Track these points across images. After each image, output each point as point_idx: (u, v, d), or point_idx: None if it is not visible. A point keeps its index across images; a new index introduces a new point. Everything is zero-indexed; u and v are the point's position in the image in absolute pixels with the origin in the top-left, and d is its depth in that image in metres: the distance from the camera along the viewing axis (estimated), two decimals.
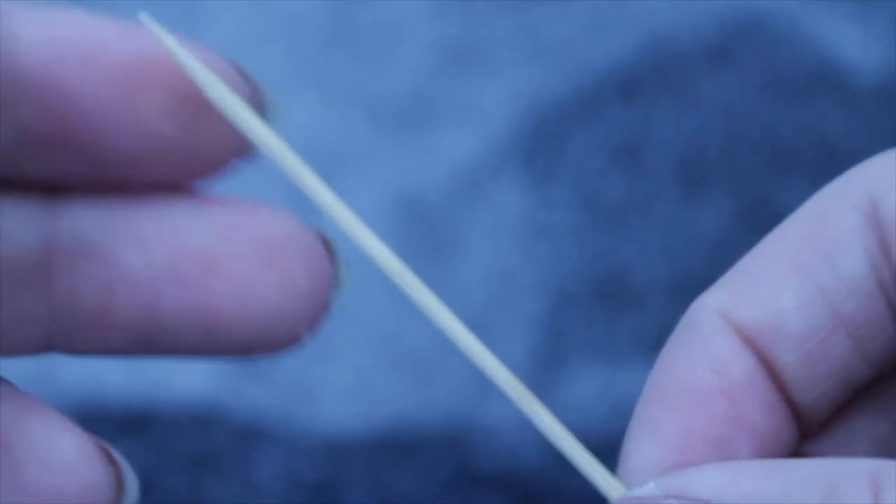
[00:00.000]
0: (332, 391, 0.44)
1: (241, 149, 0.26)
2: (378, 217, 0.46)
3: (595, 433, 0.44)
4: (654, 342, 0.45)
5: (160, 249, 0.25)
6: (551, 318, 0.45)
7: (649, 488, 0.27)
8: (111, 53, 0.24)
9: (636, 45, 0.48)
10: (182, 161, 0.25)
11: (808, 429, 0.27)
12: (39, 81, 0.23)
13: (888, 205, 0.26)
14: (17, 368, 0.25)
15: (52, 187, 0.24)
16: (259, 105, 0.27)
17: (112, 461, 0.25)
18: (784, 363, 0.27)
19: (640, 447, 0.28)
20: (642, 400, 0.29)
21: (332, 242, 0.26)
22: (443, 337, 0.26)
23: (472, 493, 0.43)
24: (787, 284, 0.27)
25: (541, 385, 0.44)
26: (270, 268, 0.25)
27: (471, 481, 0.43)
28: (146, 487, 0.44)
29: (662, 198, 0.46)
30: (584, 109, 0.47)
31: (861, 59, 0.48)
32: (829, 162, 0.47)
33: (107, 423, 0.44)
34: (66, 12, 0.25)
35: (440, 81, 0.47)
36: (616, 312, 0.45)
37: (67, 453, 0.25)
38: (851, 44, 0.48)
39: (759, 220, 0.46)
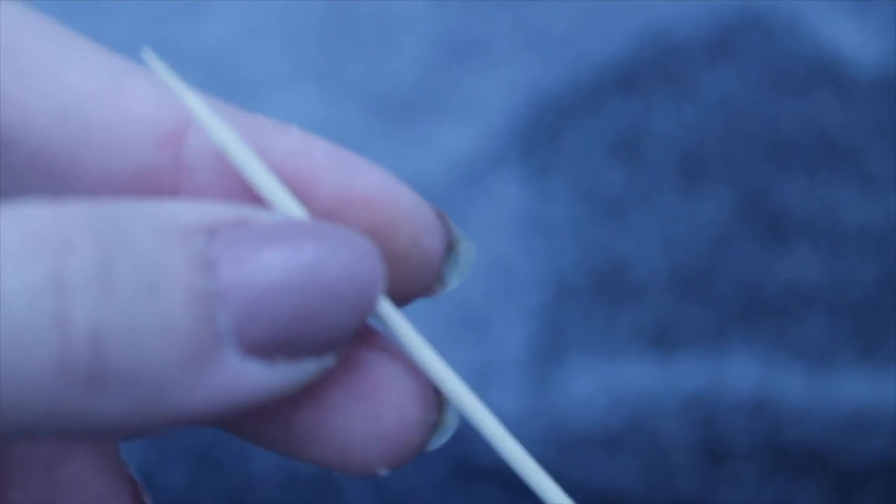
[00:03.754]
0: None
1: (425, 289, 0.26)
2: None
3: (594, 426, 0.44)
4: (653, 335, 0.45)
5: None
6: (550, 310, 0.45)
7: None
8: (322, 185, 0.24)
9: (635, 38, 0.48)
10: None
11: None
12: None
13: None
14: None
15: None
16: (450, 245, 0.26)
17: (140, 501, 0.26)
18: None
19: None
20: None
21: (441, 390, 0.25)
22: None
23: (472, 487, 0.43)
24: None
25: (540, 378, 0.44)
26: (362, 404, 0.25)
27: (470, 475, 0.43)
28: (145, 481, 0.44)
29: (661, 191, 0.46)
30: (583, 102, 0.47)
31: (860, 52, 0.48)
32: (828, 155, 0.47)
33: None
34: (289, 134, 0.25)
35: (439, 75, 0.47)
36: (615, 305, 0.45)
37: (99, 490, 0.25)
38: (850, 37, 0.48)
39: (758, 213, 0.46)
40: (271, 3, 0.48)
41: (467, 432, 0.46)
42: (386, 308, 0.24)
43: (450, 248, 0.26)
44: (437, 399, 0.25)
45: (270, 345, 0.22)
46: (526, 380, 0.44)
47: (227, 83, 0.47)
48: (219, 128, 0.24)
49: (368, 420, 0.25)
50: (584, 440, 0.44)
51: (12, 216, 0.21)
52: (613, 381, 0.44)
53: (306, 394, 0.24)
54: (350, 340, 0.23)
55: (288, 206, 0.24)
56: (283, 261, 0.22)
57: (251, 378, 0.22)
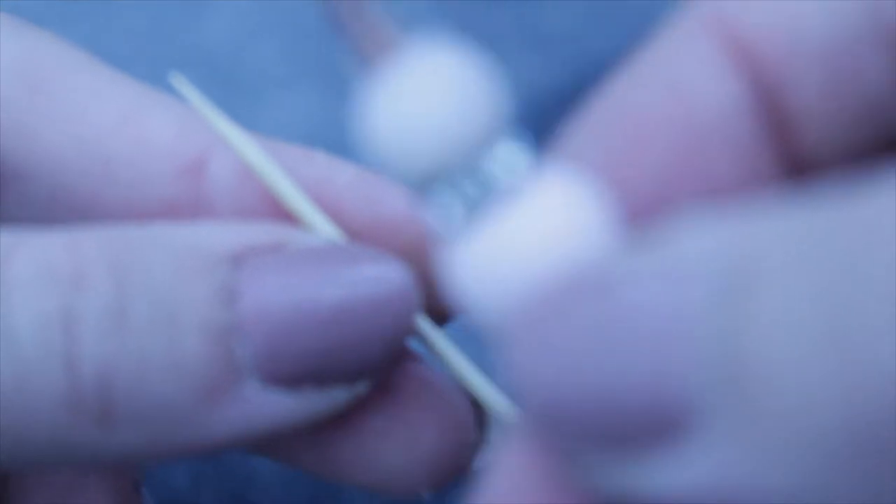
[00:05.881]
0: None
1: (449, 309, 0.25)
2: None
3: None
4: None
5: None
6: None
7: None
8: (348, 211, 0.24)
9: (637, 36, 0.48)
10: None
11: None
12: None
13: None
14: None
15: None
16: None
17: None
18: (796, 89, 0.18)
19: None
20: (568, 131, 0.21)
21: (484, 407, 0.24)
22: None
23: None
24: None
25: None
26: (400, 428, 0.24)
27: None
28: (147, 480, 0.44)
29: None
30: (585, 100, 0.47)
31: None
32: None
33: None
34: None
35: None
36: None
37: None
38: None
39: None
40: (271, 3, 0.48)
41: None
42: (425, 328, 0.24)
43: None
44: (478, 419, 0.25)
45: (296, 375, 0.21)
46: None
47: (227, 83, 0.47)
48: (250, 149, 0.23)
49: (407, 444, 0.24)
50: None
51: (26, 247, 0.21)
52: None
53: (343, 419, 0.23)
54: (386, 366, 0.23)
55: (322, 225, 0.23)
56: (313, 290, 0.21)
57: (274, 408, 0.21)
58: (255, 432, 0.22)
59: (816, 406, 0.15)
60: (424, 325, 0.24)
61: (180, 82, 0.23)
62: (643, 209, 0.18)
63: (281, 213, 0.23)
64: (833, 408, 0.14)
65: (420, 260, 0.24)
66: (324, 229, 0.23)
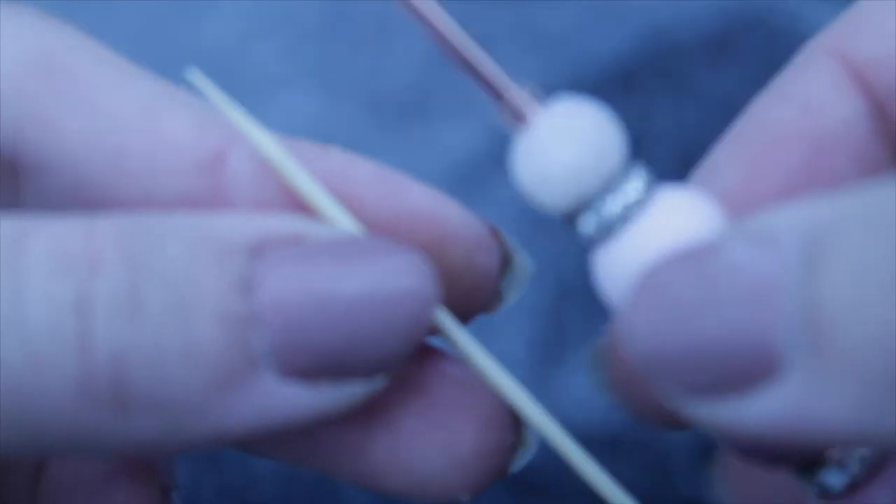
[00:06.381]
0: None
1: (483, 305, 0.25)
2: None
3: (595, 426, 0.44)
4: None
5: None
6: (551, 310, 0.45)
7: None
8: (368, 205, 0.23)
9: (636, 37, 0.48)
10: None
11: None
12: None
13: None
14: None
15: None
16: (505, 260, 0.25)
17: None
18: None
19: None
20: (716, 146, 0.24)
21: (519, 411, 0.24)
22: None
23: None
24: None
25: (541, 378, 0.44)
26: (439, 429, 0.24)
27: None
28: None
29: None
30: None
31: None
32: None
33: None
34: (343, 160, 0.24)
35: (439, 74, 0.47)
36: None
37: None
38: None
39: None
40: (271, 3, 0.48)
41: None
42: (449, 325, 0.23)
43: (505, 262, 0.25)
44: (514, 420, 0.24)
45: (313, 367, 0.21)
46: (526, 379, 0.44)
47: (227, 83, 0.47)
48: (268, 144, 0.23)
49: (447, 445, 0.24)
50: (584, 440, 0.44)
51: (42, 233, 0.21)
52: None
53: (382, 422, 0.23)
54: (404, 361, 0.22)
55: (341, 219, 0.23)
56: (332, 282, 0.21)
57: (290, 400, 0.21)
58: (270, 425, 0.21)
59: (875, 346, 0.17)
60: (447, 321, 0.23)
61: (197, 78, 0.23)
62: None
63: (300, 210, 0.23)
64: (889, 348, 0.17)
65: (440, 255, 0.24)
66: (343, 222, 0.23)
